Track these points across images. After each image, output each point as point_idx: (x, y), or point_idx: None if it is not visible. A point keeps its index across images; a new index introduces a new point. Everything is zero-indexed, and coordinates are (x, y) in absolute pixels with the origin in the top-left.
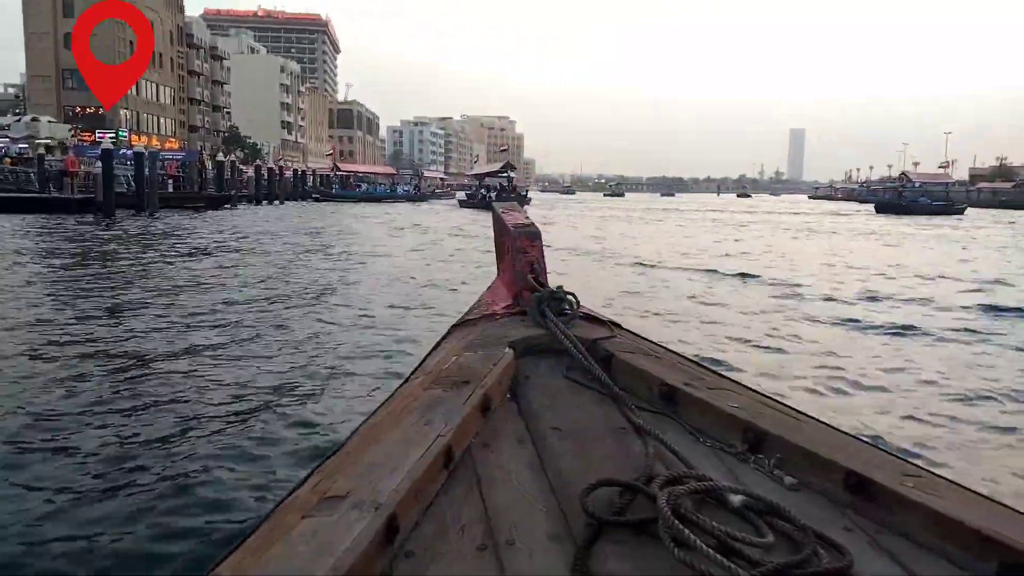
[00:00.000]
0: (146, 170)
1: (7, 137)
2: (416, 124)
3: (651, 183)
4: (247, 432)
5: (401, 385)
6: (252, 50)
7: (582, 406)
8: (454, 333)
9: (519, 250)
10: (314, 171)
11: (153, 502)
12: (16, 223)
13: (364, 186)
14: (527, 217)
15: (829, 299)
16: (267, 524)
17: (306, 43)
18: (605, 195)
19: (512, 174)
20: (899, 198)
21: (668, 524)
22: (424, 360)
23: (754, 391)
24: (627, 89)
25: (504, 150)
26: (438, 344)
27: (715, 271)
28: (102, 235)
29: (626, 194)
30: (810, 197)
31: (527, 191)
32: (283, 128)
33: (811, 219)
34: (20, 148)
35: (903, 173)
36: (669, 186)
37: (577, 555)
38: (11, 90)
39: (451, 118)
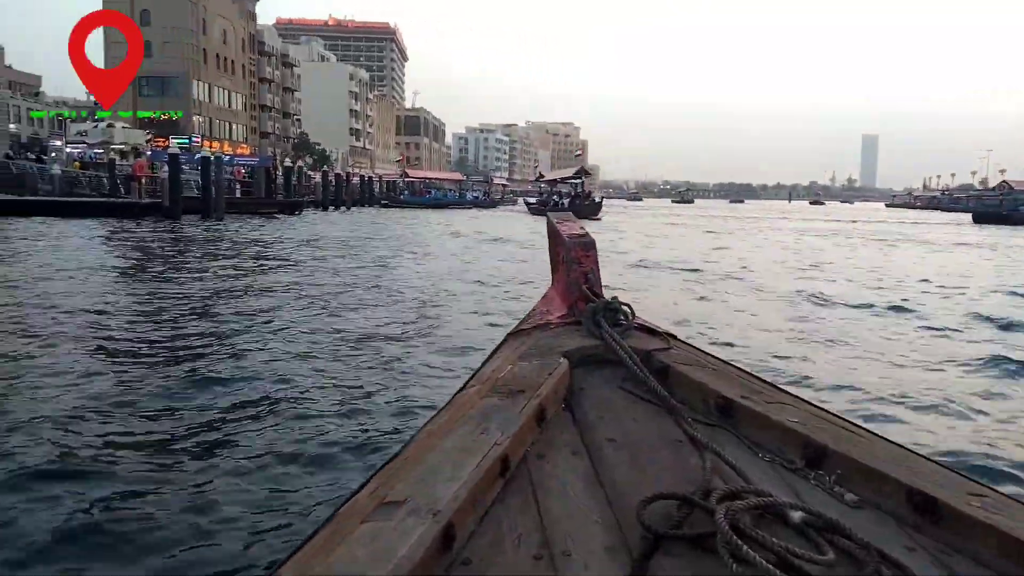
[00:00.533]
0: (212, 175)
1: (84, 142)
2: (481, 131)
3: (718, 189)
4: (316, 431)
5: (457, 393)
6: (322, 58)
7: (637, 418)
8: (509, 342)
9: (573, 260)
10: (380, 177)
11: (232, 489)
12: (79, 227)
13: (433, 192)
14: (582, 227)
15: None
16: (328, 528)
17: (375, 51)
18: (673, 201)
19: (585, 179)
20: (1000, 207)
21: (727, 539)
22: (480, 368)
23: (814, 405)
24: (691, 93)
25: (579, 155)
26: (494, 352)
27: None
28: (165, 239)
29: (695, 200)
30: (887, 205)
31: (601, 197)
32: (351, 135)
33: (908, 228)
34: (96, 153)
35: (1004, 182)
36: (737, 192)
37: (634, 568)
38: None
39: (516, 124)
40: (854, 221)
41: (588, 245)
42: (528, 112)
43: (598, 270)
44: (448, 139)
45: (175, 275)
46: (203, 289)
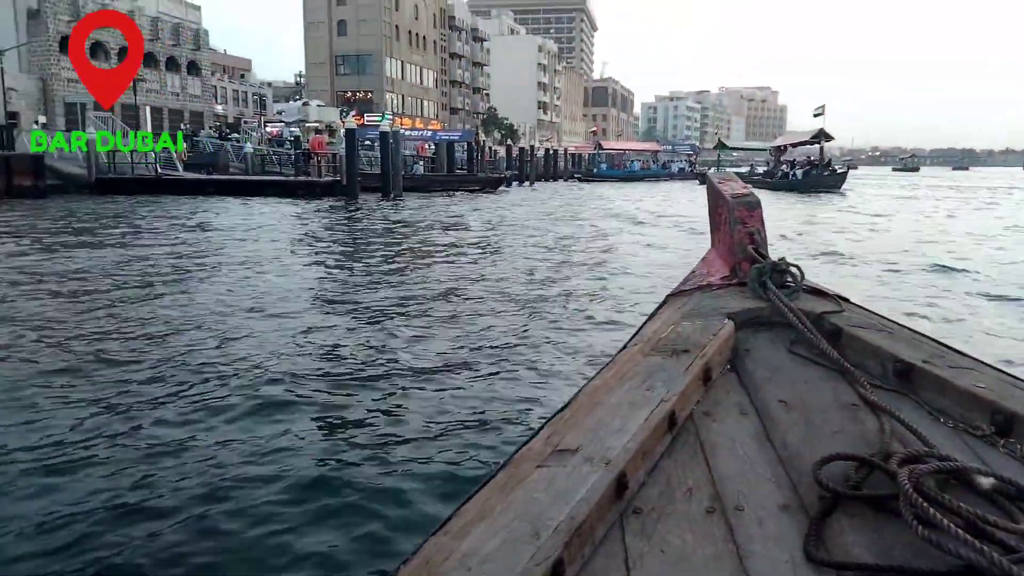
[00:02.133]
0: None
1: (282, 121)
2: (671, 99)
3: (935, 156)
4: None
5: (620, 352)
6: (512, 31)
7: (809, 381)
8: (669, 303)
9: (737, 220)
10: (566, 150)
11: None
12: (250, 207)
13: (637, 164)
14: (745, 186)
15: None
16: (507, 470)
17: (564, 22)
18: (895, 169)
19: (825, 144)
20: None
21: (911, 501)
22: (641, 328)
23: (1002, 371)
24: (898, 50)
25: (819, 114)
26: (654, 313)
27: None
28: (334, 221)
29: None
30: None
31: (847, 166)
32: (539, 108)
33: None
34: (292, 131)
35: None
36: (960, 159)
37: (811, 526)
38: (302, 79)
39: (708, 91)
40: None
41: (752, 204)
42: (722, 78)
43: (764, 229)
44: (636, 109)
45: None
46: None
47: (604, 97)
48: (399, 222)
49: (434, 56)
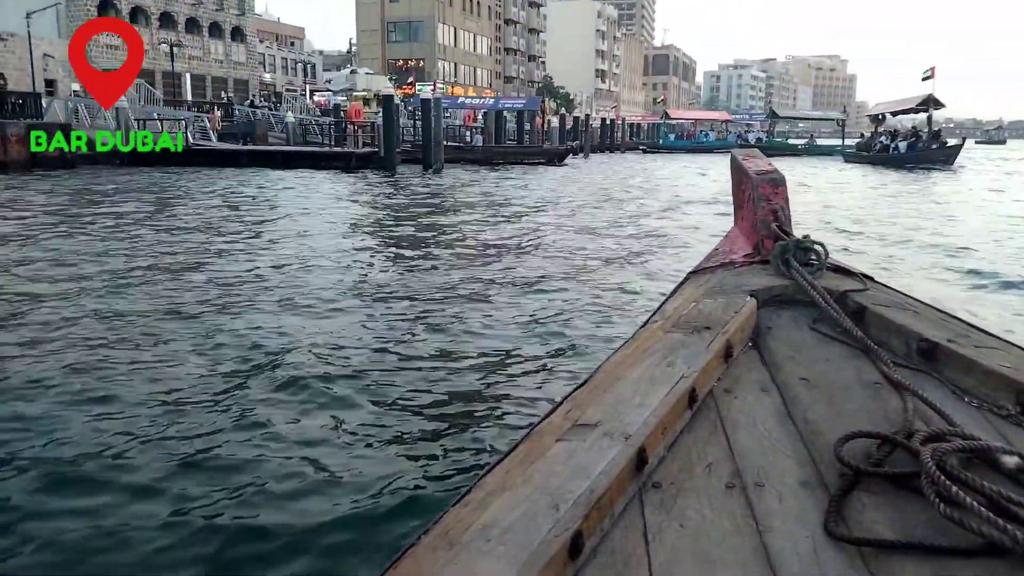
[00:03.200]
0: (432, 120)
1: (329, 90)
2: (735, 67)
3: (1015, 128)
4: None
5: (641, 328)
6: None
7: (831, 358)
8: (691, 280)
9: (761, 197)
10: (623, 120)
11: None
12: (281, 178)
13: (712, 134)
14: (769, 163)
15: None
16: (526, 443)
17: None
18: (978, 143)
19: (934, 112)
20: None
21: (933, 479)
22: (662, 305)
23: None
24: (957, 18)
25: (928, 76)
26: (675, 290)
27: None
28: (367, 197)
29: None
30: None
31: (963, 139)
32: (597, 76)
33: None
34: (340, 100)
35: None
36: None
37: (831, 503)
38: (354, 47)
39: (774, 59)
40: None
41: (777, 181)
42: (788, 46)
43: (788, 207)
44: (699, 78)
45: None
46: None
47: (665, 65)
48: (427, 199)
49: (488, 22)
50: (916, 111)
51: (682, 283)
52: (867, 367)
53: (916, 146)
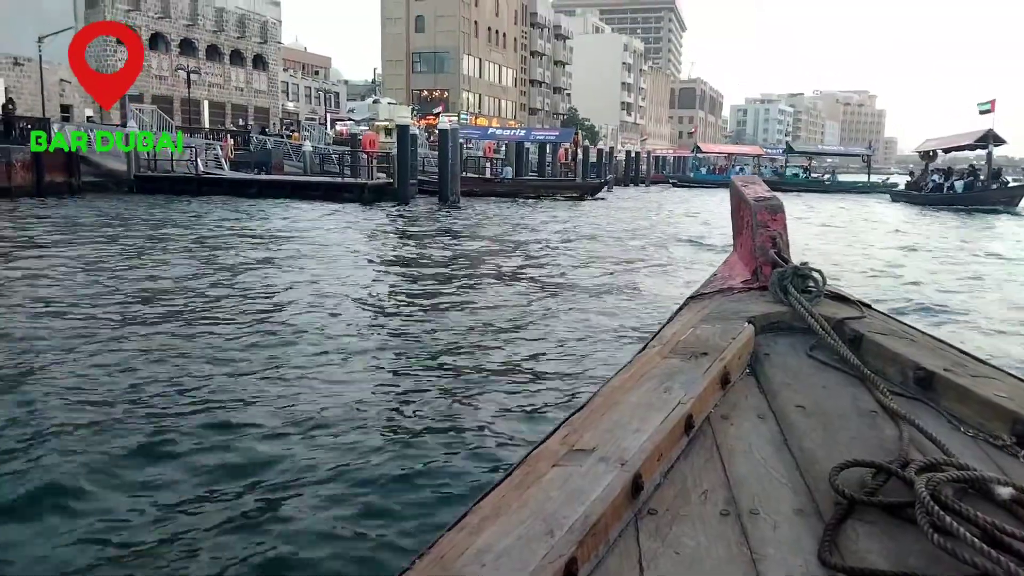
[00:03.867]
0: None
1: (351, 120)
2: (762, 102)
3: None
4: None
5: (639, 353)
6: (597, 29)
7: (828, 386)
8: (689, 305)
9: (760, 224)
10: (649, 153)
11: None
12: (284, 210)
13: (748, 169)
14: (768, 190)
15: None
16: (522, 468)
17: (652, 21)
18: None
19: (993, 148)
20: None
21: (927, 509)
22: (660, 331)
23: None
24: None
25: (987, 110)
26: (674, 316)
27: None
28: (367, 235)
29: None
30: None
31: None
32: (623, 109)
33: None
34: (362, 129)
35: None
36: None
37: (826, 531)
38: (378, 76)
39: (801, 94)
40: None
41: (775, 208)
42: (815, 80)
43: (786, 234)
44: (725, 112)
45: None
46: None
47: (692, 98)
48: (436, 236)
49: (514, 54)
50: (973, 147)
51: (680, 308)
52: (863, 395)
53: (974, 186)
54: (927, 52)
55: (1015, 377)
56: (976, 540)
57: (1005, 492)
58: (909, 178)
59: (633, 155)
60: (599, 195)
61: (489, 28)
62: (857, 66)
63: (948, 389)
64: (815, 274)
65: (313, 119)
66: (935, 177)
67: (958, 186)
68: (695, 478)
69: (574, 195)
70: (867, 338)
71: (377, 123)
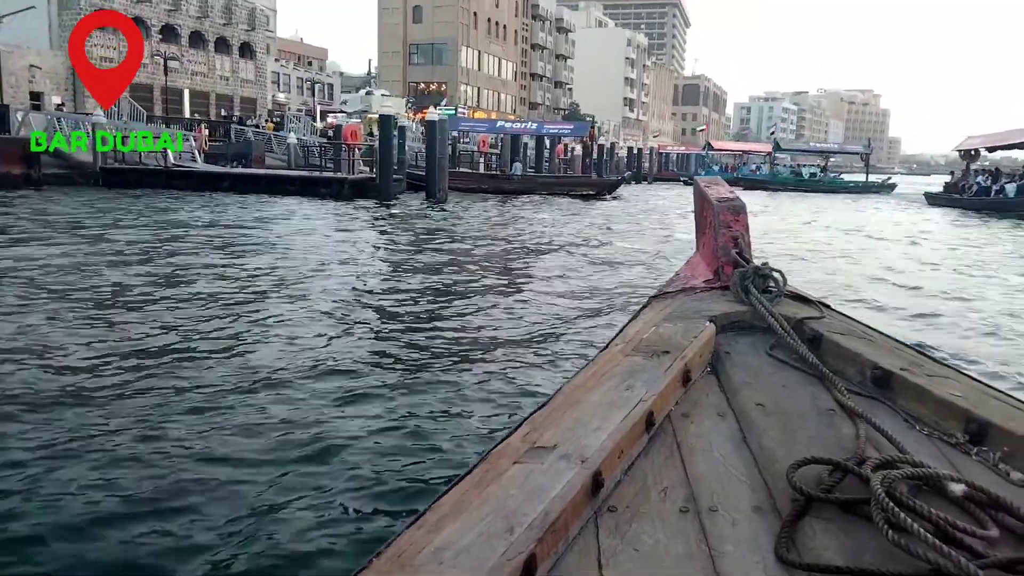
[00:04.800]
0: (436, 144)
1: (343, 112)
2: (766, 99)
3: None
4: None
5: (601, 351)
6: (600, 23)
7: (787, 385)
8: (652, 305)
9: (722, 224)
10: (652, 149)
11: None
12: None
13: (764, 167)
14: (731, 191)
15: None
16: (482, 466)
17: (656, 17)
18: None
19: None
20: None
21: (882, 506)
22: (623, 329)
23: (978, 380)
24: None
25: None
26: (636, 315)
27: None
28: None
29: None
30: None
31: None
32: (625, 105)
33: None
34: (354, 122)
35: None
36: None
37: (783, 527)
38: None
39: (806, 92)
40: None
41: (738, 208)
42: (819, 79)
43: (748, 234)
44: (729, 109)
45: None
46: None
47: (696, 95)
48: (417, 239)
49: (514, 47)
50: (1022, 146)
51: (643, 307)
52: (822, 394)
53: None
54: (932, 53)
55: (970, 377)
56: (930, 536)
57: (958, 489)
58: (948, 179)
59: (636, 152)
60: (616, 193)
61: (489, 19)
62: (861, 65)
63: (905, 388)
64: (775, 274)
65: (299, 110)
66: (980, 179)
67: (1009, 189)
68: (655, 475)
69: (589, 192)
70: (826, 338)
71: (369, 115)
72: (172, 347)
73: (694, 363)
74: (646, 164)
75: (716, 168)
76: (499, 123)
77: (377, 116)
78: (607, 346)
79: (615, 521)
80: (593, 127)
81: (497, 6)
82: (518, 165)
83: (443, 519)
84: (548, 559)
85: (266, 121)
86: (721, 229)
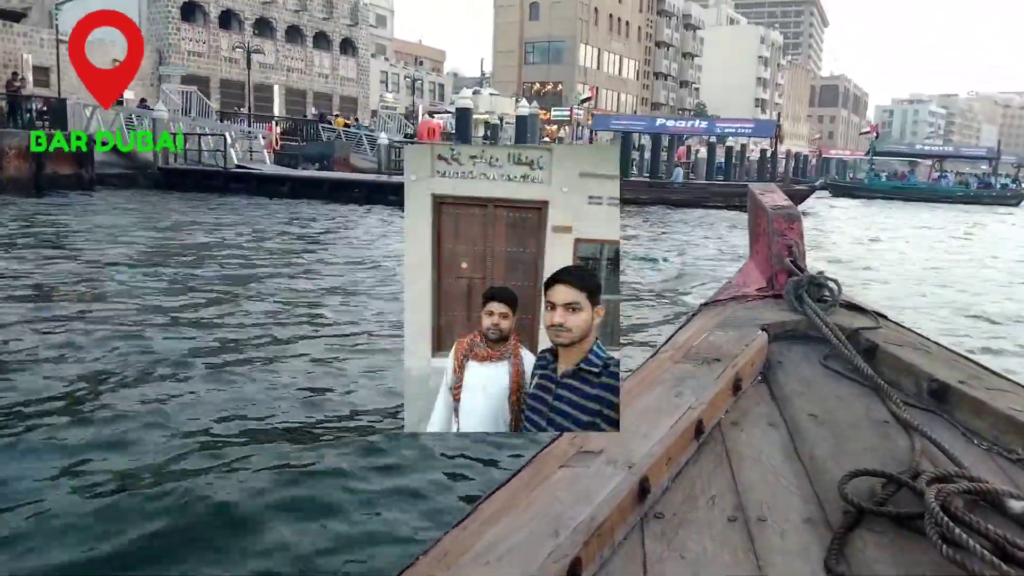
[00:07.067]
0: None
1: (448, 112)
2: (911, 102)
3: None
4: None
5: (650, 358)
6: (731, 21)
7: (841, 396)
8: (703, 312)
9: (776, 232)
10: (788, 152)
11: None
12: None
13: (950, 176)
14: (785, 198)
15: None
16: (530, 468)
17: (792, 16)
18: None
19: None
20: None
21: (937, 520)
22: (673, 336)
23: None
24: None
25: None
26: (687, 322)
27: None
28: None
29: None
30: None
31: None
32: (756, 106)
33: None
34: (437, 120)
35: None
36: None
37: (834, 540)
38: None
39: (955, 95)
40: None
41: (792, 216)
42: (971, 80)
43: (803, 242)
44: (870, 113)
45: None
46: None
47: (834, 97)
48: None
49: (637, 44)
50: None
51: (694, 315)
52: (876, 406)
53: None
54: None
55: None
56: (986, 553)
57: (1018, 506)
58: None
59: (769, 155)
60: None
61: (611, 16)
62: (1021, 65)
63: (962, 401)
64: (831, 283)
65: (392, 107)
66: None
67: None
68: (703, 483)
69: (719, 203)
70: (882, 348)
71: (476, 116)
72: None
73: (745, 371)
74: (780, 169)
75: (883, 175)
76: (658, 122)
77: (484, 117)
78: (656, 353)
79: (661, 528)
80: (779, 126)
81: (620, 2)
82: (679, 171)
83: (488, 521)
84: (593, 563)
85: (335, 117)
86: (775, 237)
